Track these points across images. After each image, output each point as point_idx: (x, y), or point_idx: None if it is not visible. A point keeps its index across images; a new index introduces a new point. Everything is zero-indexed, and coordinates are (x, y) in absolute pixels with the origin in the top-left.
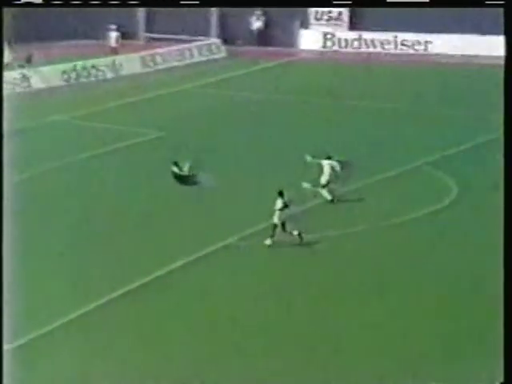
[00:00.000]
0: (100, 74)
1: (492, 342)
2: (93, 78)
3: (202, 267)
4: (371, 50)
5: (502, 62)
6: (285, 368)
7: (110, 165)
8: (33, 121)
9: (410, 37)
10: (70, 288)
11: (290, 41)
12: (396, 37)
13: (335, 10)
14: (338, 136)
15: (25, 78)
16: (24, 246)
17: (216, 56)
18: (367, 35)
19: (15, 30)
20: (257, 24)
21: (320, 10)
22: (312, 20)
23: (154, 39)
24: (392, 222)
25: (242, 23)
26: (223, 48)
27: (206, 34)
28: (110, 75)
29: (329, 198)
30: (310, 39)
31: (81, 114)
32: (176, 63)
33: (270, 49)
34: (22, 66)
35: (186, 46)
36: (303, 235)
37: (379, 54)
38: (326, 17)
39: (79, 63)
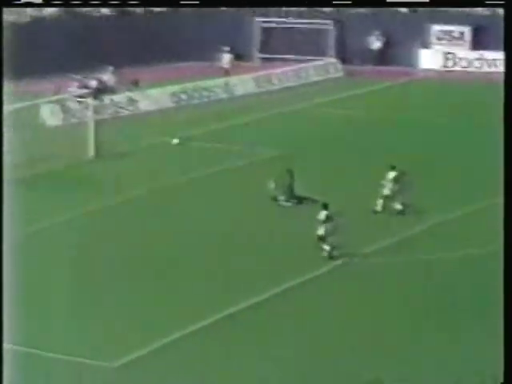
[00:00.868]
0: (212, 94)
1: None
2: (205, 99)
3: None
4: (493, 69)
5: None
6: None
7: (220, 184)
8: (140, 143)
9: None
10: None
11: (410, 60)
12: None
13: (457, 30)
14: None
15: (131, 101)
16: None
17: (333, 75)
18: (489, 55)
19: (120, 54)
20: (376, 44)
21: (442, 29)
22: (433, 40)
23: (268, 59)
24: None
25: (361, 42)
26: (340, 67)
27: (323, 53)
28: (222, 96)
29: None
30: (430, 59)
31: (190, 135)
32: (291, 83)
33: (389, 68)
34: (128, 90)
35: (302, 65)
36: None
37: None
38: (447, 36)
39: (190, 85)
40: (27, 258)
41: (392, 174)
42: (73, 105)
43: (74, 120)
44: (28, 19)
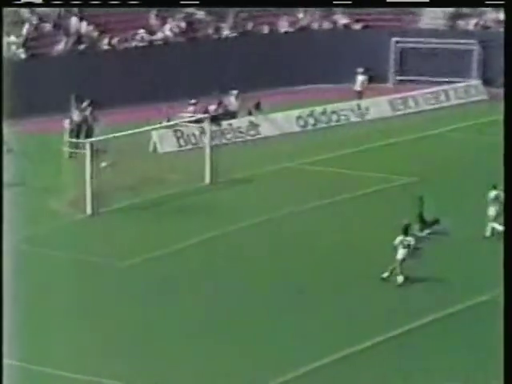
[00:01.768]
0: (342, 118)
1: None
2: (333, 123)
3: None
4: None
5: None
6: None
7: (349, 211)
8: (261, 168)
9: None
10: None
11: None
12: None
13: None
14: None
15: (253, 125)
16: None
17: (475, 98)
18: None
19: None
20: None
21: None
22: None
23: (404, 81)
24: None
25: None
26: (483, 90)
27: (465, 75)
28: (353, 119)
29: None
30: None
31: (317, 160)
32: (429, 106)
33: None
34: (249, 114)
35: (441, 88)
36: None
37: None
38: None
39: (318, 108)
40: (139, 285)
41: (493, 193)
42: (187, 130)
43: (188, 146)
44: (145, 43)
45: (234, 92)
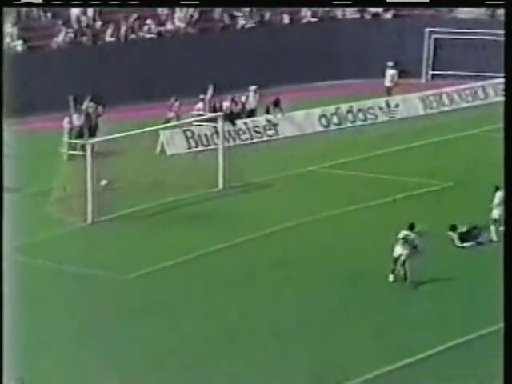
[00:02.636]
0: (370, 117)
1: None
2: (359, 123)
3: None
4: None
5: None
6: None
7: (377, 219)
8: (280, 172)
9: None
10: None
11: None
12: None
13: None
14: None
15: (271, 124)
16: None
17: None
18: None
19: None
20: None
21: None
22: None
23: (438, 76)
24: None
25: None
26: None
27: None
28: (381, 118)
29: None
30: None
31: (341, 163)
32: (466, 104)
33: None
34: (267, 112)
35: (479, 84)
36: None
37: None
38: None
39: (342, 106)
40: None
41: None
42: (198, 130)
43: (199, 147)
44: (153, 35)
45: (253, 87)
